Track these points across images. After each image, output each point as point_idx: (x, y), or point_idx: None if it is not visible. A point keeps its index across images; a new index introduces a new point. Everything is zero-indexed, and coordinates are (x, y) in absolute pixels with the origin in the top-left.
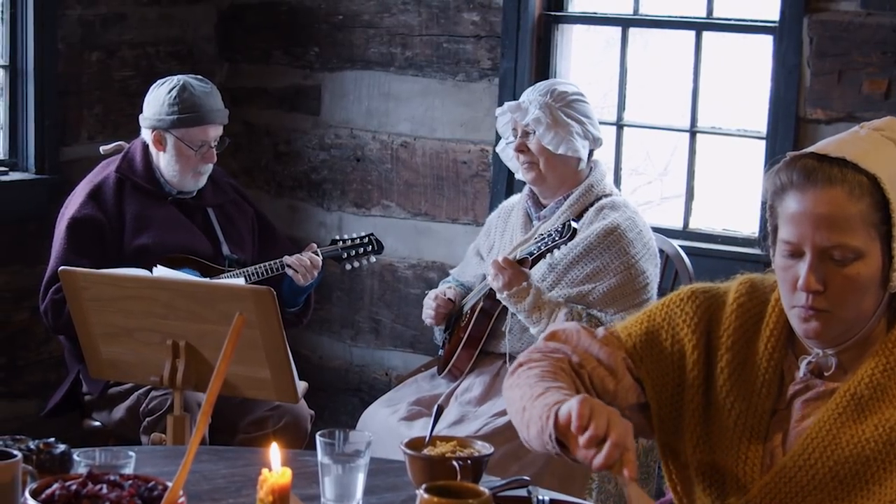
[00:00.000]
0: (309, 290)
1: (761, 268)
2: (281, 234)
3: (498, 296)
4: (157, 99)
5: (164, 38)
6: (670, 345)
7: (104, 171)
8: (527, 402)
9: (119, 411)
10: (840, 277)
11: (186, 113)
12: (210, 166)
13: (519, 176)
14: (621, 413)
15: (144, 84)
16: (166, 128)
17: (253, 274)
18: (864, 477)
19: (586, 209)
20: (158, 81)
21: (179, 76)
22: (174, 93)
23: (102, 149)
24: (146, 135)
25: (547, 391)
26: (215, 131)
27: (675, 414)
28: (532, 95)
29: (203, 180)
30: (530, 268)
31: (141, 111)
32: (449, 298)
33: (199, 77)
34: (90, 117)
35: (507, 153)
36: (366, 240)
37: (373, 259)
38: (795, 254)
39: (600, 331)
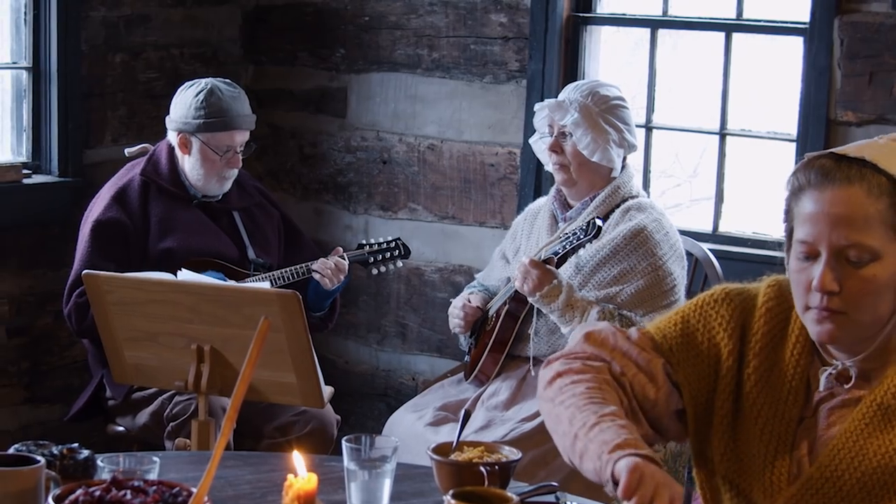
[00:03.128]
0: (334, 294)
1: None
2: (307, 237)
3: (529, 298)
4: (185, 101)
5: (189, 40)
6: (707, 348)
7: (129, 173)
8: (578, 430)
9: (143, 416)
10: (856, 279)
11: (213, 117)
12: (235, 171)
13: (549, 168)
14: (661, 423)
15: (169, 86)
16: (192, 131)
17: (279, 278)
18: (892, 487)
19: (612, 210)
20: (186, 84)
21: (208, 79)
22: (202, 96)
23: (127, 151)
24: (172, 137)
25: (600, 421)
26: (242, 137)
27: (706, 420)
28: (574, 95)
29: (228, 185)
30: (557, 268)
31: (165, 113)
32: (477, 306)
33: (228, 81)
34: (114, 119)
35: (540, 146)
36: (392, 244)
37: (399, 264)
38: (811, 255)
39: (633, 331)
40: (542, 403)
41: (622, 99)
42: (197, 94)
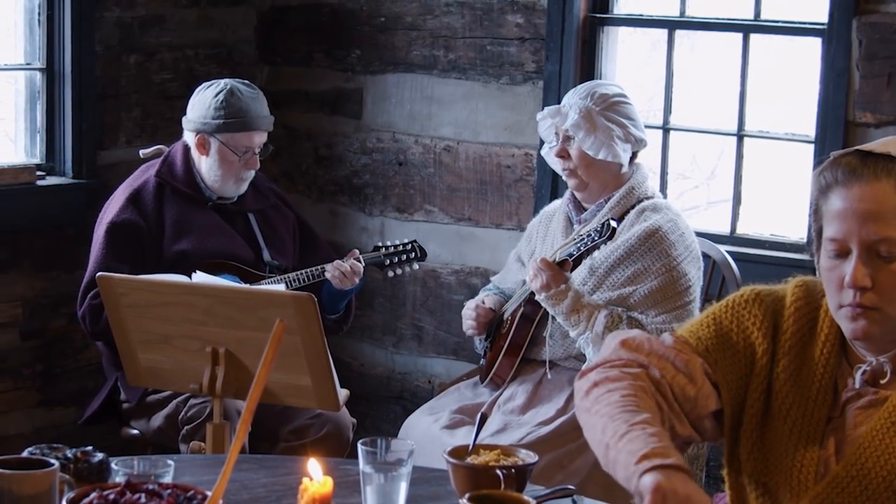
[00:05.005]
0: (349, 296)
1: (809, 274)
2: (322, 239)
3: (536, 297)
4: (203, 102)
5: (204, 41)
6: (742, 348)
7: (143, 175)
8: (610, 439)
9: (157, 419)
10: (887, 273)
11: (232, 118)
12: (252, 172)
13: (565, 178)
14: (701, 424)
15: (183, 87)
16: (211, 132)
17: (294, 280)
18: None
19: (627, 211)
20: (205, 84)
21: (227, 80)
22: (221, 97)
23: (142, 152)
24: (189, 137)
25: (630, 430)
26: (260, 138)
27: (740, 419)
28: (573, 99)
29: (244, 186)
30: (571, 269)
31: (180, 114)
32: (489, 308)
33: (246, 82)
34: (128, 121)
35: (552, 157)
36: (409, 246)
37: (416, 266)
38: (842, 252)
39: (666, 336)
40: (580, 414)
41: (623, 96)
42: (216, 95)
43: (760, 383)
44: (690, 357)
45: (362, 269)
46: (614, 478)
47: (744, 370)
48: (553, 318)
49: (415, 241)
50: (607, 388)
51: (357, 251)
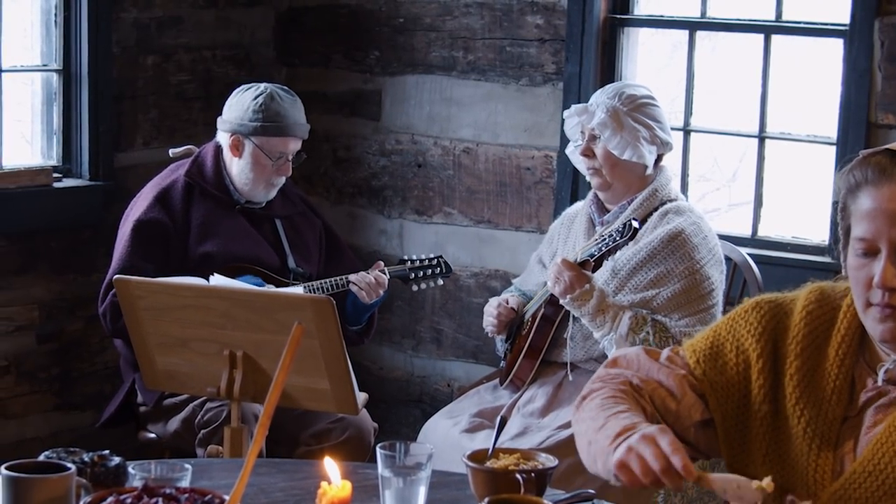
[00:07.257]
0: (373, 308)
1: (831, 276)
2: (348, 250)
3: (560, 300)
4: (242, 103)
5: (221, 42)
6: (735, 356)
7: (173, 174)
8: (591, 435)
9: (174, 423)
10: None
11: (270, 122)
12: (283, 179)
13: (587, 176)
14: (688, 435)
15: (201, 88)
16: (247, 133)
17: (318, 289)
18: None
19: (650, 214)
20: (243, 86)
21: (266, 84)
22: (260, 100)
23: (172, 152)
24: (223, 138)
25: (607, 421)
26: (295, 144)
27: (741, 426)
28: (600, 98)
29: (274, 192)
30: (593, 271)
31: (198, 115)
32: (512, 308)
33: (286, 88)
34: (145, 122)
35: (576, 157)
36: (434, 262)
37: (440, 281)
38: (870, 252)
39: (665, 352)
40: (573, 428)
41: (651, 97)
42: (255, 98)
43: (762, 387)
44: (674, 371)
45: (387, 282)
46: (600, 475)
47: (735, 378)
48: (574, 319)
49: (440, 256)
50: (591, 399)
51: (382, 263)
